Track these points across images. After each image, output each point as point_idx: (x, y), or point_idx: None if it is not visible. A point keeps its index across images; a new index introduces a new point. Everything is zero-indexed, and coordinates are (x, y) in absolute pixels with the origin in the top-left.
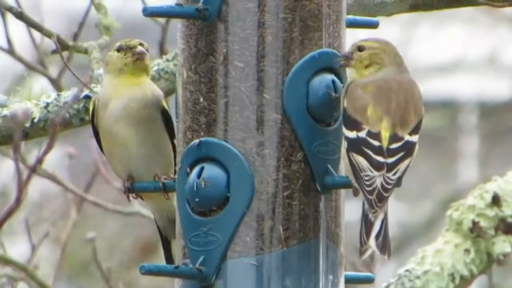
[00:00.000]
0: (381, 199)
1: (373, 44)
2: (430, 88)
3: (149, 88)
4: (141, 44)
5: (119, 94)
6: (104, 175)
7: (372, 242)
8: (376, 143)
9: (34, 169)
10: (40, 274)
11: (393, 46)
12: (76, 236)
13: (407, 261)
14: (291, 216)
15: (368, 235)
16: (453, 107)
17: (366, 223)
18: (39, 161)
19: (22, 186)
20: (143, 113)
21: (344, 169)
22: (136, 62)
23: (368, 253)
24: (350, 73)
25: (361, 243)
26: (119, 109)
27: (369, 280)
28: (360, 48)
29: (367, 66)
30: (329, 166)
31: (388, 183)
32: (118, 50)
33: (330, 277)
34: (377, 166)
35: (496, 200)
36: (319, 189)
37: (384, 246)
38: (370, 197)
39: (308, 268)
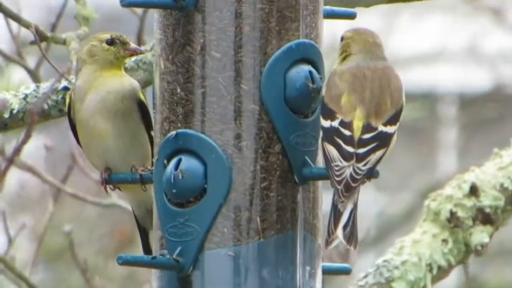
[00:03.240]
0: (349, 189)
1: (347, 34)
2: (410, 78)
3: (126, 80)
4: (128, 40)
5: (96, 86)
6: (81, 167)
7: (339, 232)
8: (347, 132)
9: (12, 160)
10: (17, 263)
11: (366, 35)
12: (54, 222)
13: (385, 252)
14: (269, 207)
15: (336, 225)
16: (433, 98)
17: (335, 213)
18: (17, 151)
19: (0, 176)
20: (120, 106)
21: (322, 160)
22: (127, 57)
23: (335, 243)
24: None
25: (329, 233)
26: (96, 101)
27: (346, 271)
28: (341, 38)
29: (340, 55)
30: (307, 158)
31: (357, 174)
32: (110, 43)
33: (308, 268)
34: (347, 156)
35: (474, 191)
36: (296, 180)
37: (351, 237)
38: (338, 187)
39: (285, 259)
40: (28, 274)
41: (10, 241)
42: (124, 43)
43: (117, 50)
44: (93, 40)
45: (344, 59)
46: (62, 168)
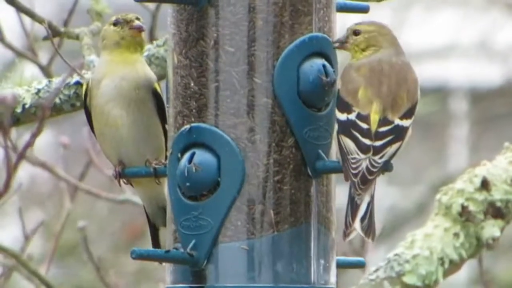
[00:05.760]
0: (365, 182)
1: (368, 28)
2: (421, 73)
3: (142, 68)
4: (138, 18)
5: (111, 72)
6: (96, 164)
7: (357, 224)
8: (364, 125)
9: (23, 153)
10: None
11: (388, 29)
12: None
13: (397, 245)
14: (282, 200)
15: (353, 217)
16: (444, 92)
17: (352, 206)
18: (28, 145)
19: (11, 170)
20: (134, 94)
21: (335, 153)
22: (133, 35)
23: (353, 235)
24: (345, 57)
25: (346, 225)
26: (111, 88)
27: (360, 265)
28: (355, 32)
29: (364, 50)
30: (320, 151)
31: (373, 166)
32: (115, 24)
33: (322, 261)
34: (364, 149)
35: (485, 184)
36: (310, 173)
37: (369, 229)
38: (354, 180)
39: (299, 252)
40: (45, 272)
41: (26, 238)
42: (128, 21)
43: (121, 29)
44: (107, 24)
45: (364, 52)
46: (74, 163)
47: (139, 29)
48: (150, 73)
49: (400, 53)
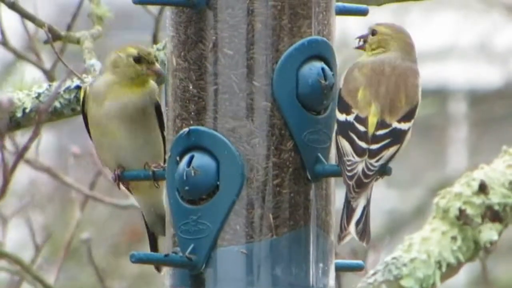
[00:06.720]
0: (360, 185)
1: (385, 30)
2: (421, 75)
3: (147, 90)
4: (155, 57)
5: (116, 93)
6: (100, 167)
7: (352, 228)
8: (361, 128)
9: (21, 156)
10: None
11: (404, 34)
12: (66, 220)
13: (395, 249)
14: (281, 204)
15: (348, 221)
16: (443, 94)
17: (348, 209)
18: (26, 147)
19: (8, 174)
20: (137, 115)
21: (334, 157)
22: (149, 75)
23: (347, 239)
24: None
25: (341, 229)
26: (115, 109)
27: (359, 268)
28: (373, 32)
29: (373, 49)
30: (319, 155)
31: (369, 170)
32: (136, 61)
33: (321, 265)
34: (359, 152)
35: (483, 188)
36: (309, 177)
37: (363, 233)
38: (349, 182)
39: (298, 256)
40: (53, 282)
41: (37, 250)
42: (150, 63)
43: (141, 69)
44: (121, 51)
45: (373, 51)
46: (76, 166)
47: (158, 74)
48: (153, 88)
49: (407, 59)
